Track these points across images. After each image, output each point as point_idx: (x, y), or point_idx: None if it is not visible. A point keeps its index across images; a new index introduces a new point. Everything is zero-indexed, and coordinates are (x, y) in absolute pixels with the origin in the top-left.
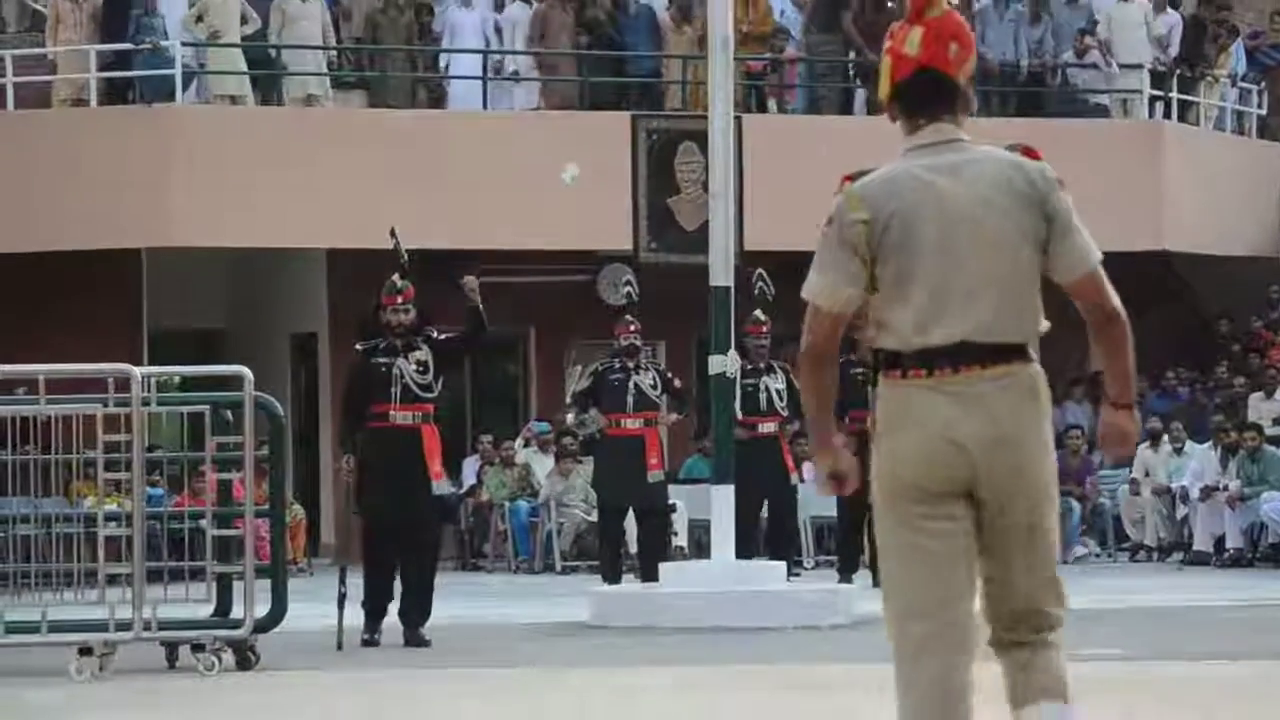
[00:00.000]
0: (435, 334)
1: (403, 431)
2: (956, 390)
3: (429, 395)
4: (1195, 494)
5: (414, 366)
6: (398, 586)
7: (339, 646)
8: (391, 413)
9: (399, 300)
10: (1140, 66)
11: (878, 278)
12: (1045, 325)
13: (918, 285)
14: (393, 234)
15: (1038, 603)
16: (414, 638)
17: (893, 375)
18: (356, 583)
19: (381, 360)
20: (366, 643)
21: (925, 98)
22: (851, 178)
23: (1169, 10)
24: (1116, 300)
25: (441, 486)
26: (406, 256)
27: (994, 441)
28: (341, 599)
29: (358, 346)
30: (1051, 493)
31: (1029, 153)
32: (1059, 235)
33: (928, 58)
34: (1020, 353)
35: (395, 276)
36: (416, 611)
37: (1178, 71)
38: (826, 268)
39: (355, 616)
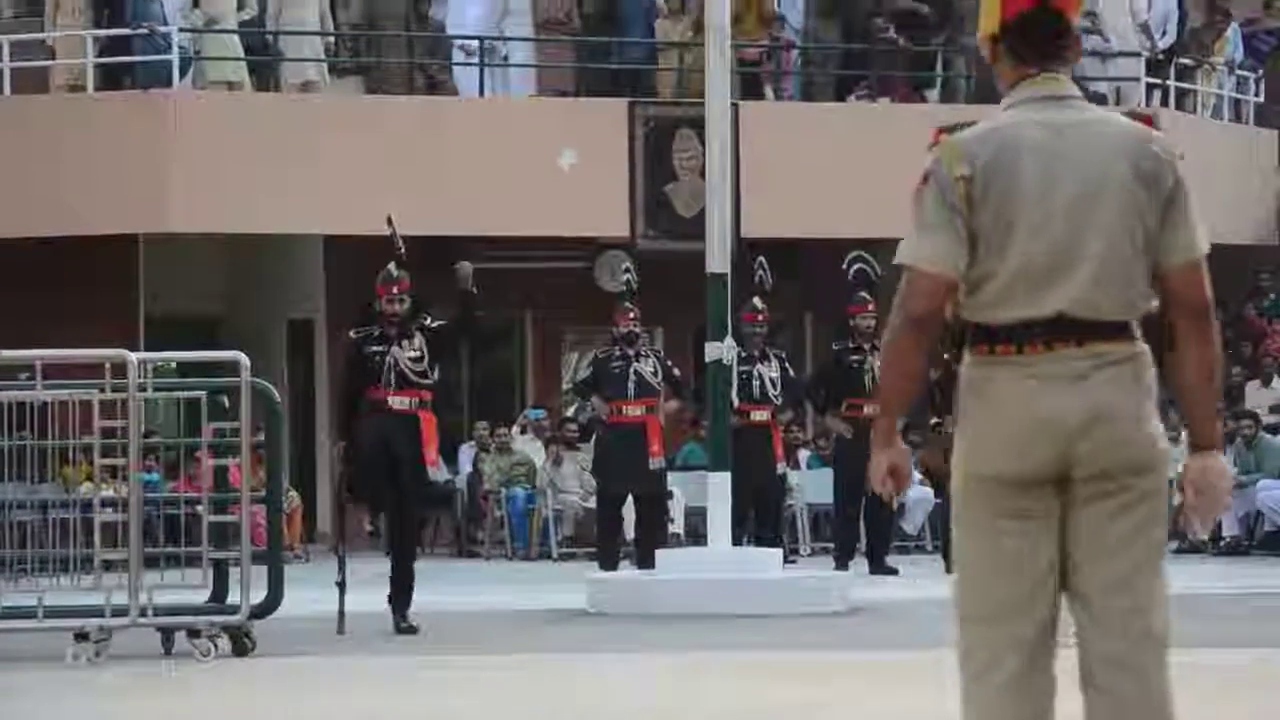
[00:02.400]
0: (429, 322)
1: (402, 416)
2: (1049, 369)
3: (425, 382)
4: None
5: (408, 355)
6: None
7: (339, 631)
8: (389, 398)
9: (394, 290)
10: (1137, 54)
11: (973, 242)
12: (1153, 303)
13: (1013, 252)
14: (390, 223)
15: (1129, 614)
16: (400, 624)
17: (978, 352)
18: (354, 568)
19: (375, 349)
20: (406, 629)
21: (1040, 40)
22: (947, 130)
23: None
24: (1211, 300)
25: (435, 473)
26: (403, 246)
27: (1091, 418)
28: (341, 584)
29: (351, 334)
30: (1158, 484)
31: (1148, 122)
32: (1171, 214)
33: None
34: (1123, 331)
35: (391, 266)
36: (399, 591)
37: (1176, 59)
38: (929, 229)
39: (356, 603)
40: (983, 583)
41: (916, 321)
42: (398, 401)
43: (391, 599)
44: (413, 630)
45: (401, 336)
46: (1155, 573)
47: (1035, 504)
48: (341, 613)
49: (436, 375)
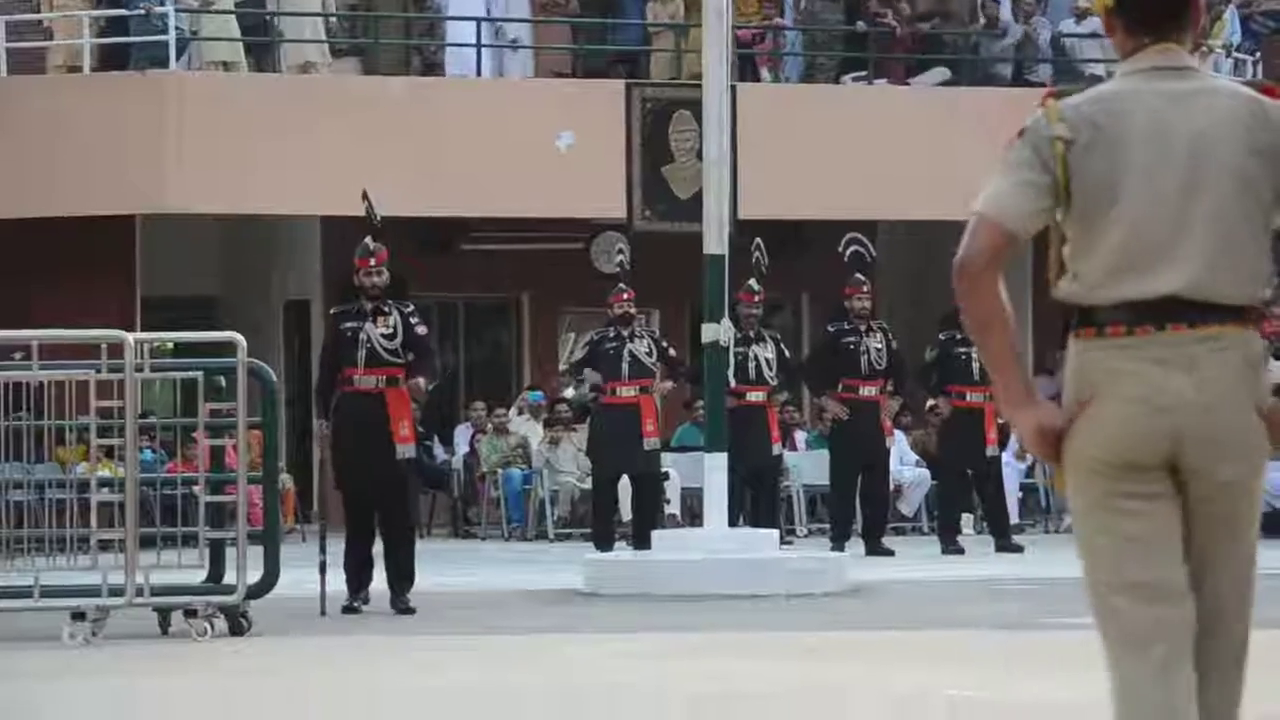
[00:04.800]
0: (414, 320)
1: (368, 395)
2: (1160, 353)
3: (397, 360)
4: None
5: (381, 331)
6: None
7: (322, 612)
8: (356, 377)
9: (371, 263)
10: None
11: (1071, 213)
12: (1269, 291)
13: (1119, 226)
14: (365, 197)
15: (1226, 616)
16: (397, 603)
17: (1085, 334)
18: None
19: (349, 325)
20: (346, 609)
21: (1155, 10)
22: (1055, 95)
23: None
24: None
25: (407, 450)
26: (380, 219)
27: (1202, 409)
28: (322, 565)
29: (331, 311)
30: (1255, 483)
31: (1270, 92)
32: None
33: None
34: (1238, 315)
35: (368, 239)
36: (396, 577)
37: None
38: (1006, 177)
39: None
40: (1110, 567)
41: (962, 264)
42: (364, 380)
43: (389, 579)
44: (410, 611)
45: (377, 313)
46: (1248, 568)
47: (1152, 486)
48: (323, 593)
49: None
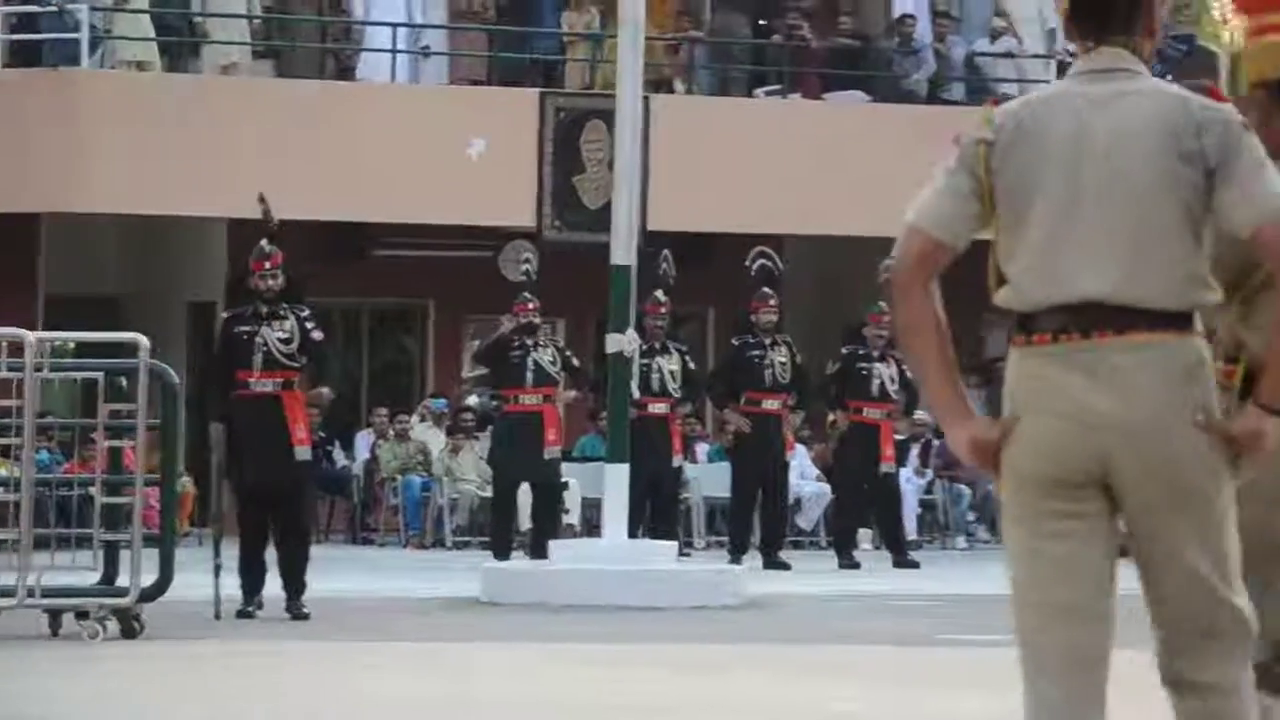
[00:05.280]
0: (310, 325)
1: (263, 399)
2: (1088, 361)
3: (293, 364)
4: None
5: (278, 335)
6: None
7: (216, 616)
8: (252, 381)
9: (267, 265)
10: (1048, 57)
11: (998, 216)
12: (1213, 296)
13: (1037, 228)
14: (261, 199)
15: (1198, 630)
16: (292, 608)
17: (1018, 341)
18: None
19: (245, 329)
20: (241, 614)
21: (1096, 12)
22: (998, 101)
23: None
24: None
25: (304, 453)
26: (277, 222)
27: (1128, 428)
28: (217, 569)
29: (224, 314)
30: (1201, 498)
31: (1214, 93)
32: (1221, 184)
33: None
34: (1170, 321)
35: (264, 242)
36: (290, 581)
37: None
38: (934, 186)
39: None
40: (1029, 584)
41: (894, 276)
42: (260, 384)
43: (285, 588)
44: (304, 617)
45: (273, 316)
46: (1215, 580)
47: (1082, 505)
48: (218, 597)
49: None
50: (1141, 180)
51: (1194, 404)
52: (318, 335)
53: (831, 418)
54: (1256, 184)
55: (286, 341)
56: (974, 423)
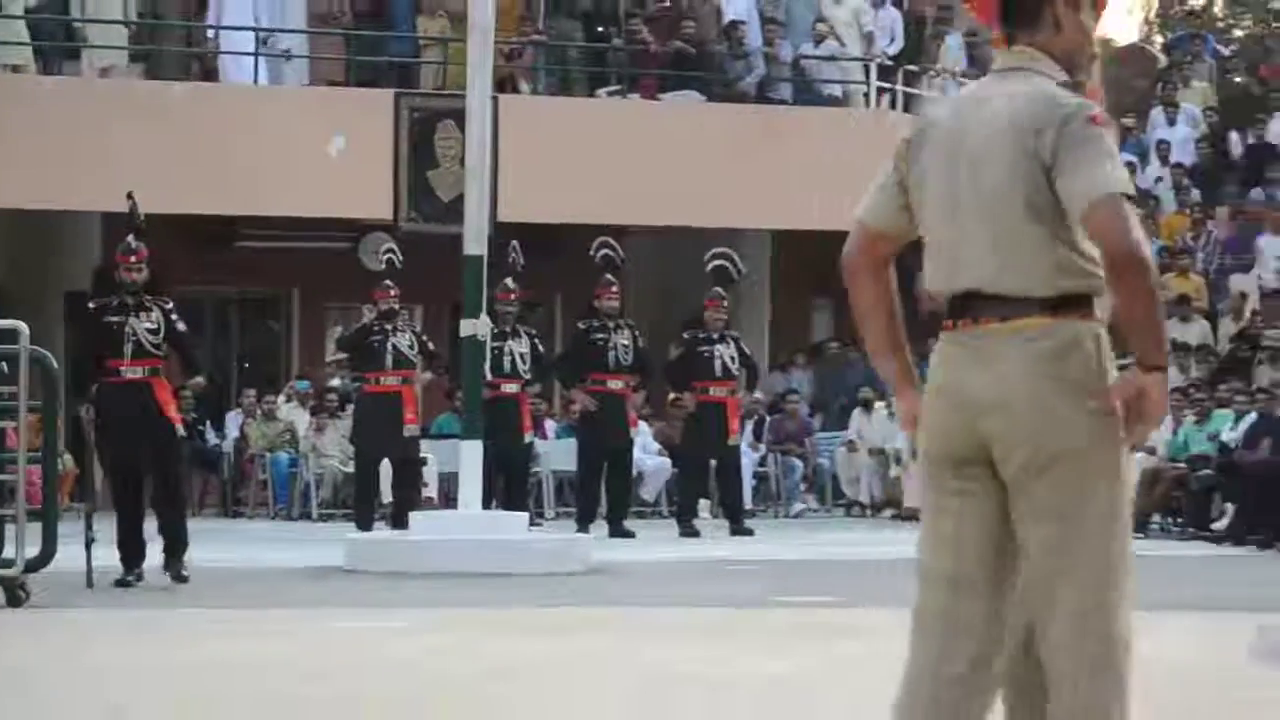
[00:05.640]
0: (174, 316)
1: (135, 385)
2: (976, 345)
3: (159, 352)
4: (907, 455)
5: (145, 326)
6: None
7: (89, 584)
8: (123, 368)
9: (132, 259)
10: (866, 59)
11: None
12: (1091, 281)
13: (926, 222)
14: (130, 197)
15: (1052, 606)
16: (174, 572)
17: (943, 326)
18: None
19: (114, 319)
20: (119, 583)
21: (1004, 11)
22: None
23: (888, 6)
24: (1130, 241)
25: (175, 429)
26: (143, 219)
27: (993, 405)
28: (89, 543)
29: (91, 304)
30: (1066, 466)
31: (1091, 92)
32: (1058, 175)
33: None
34: (1047, 306)
35: (130, 237)
36: (170, 545)
37: (904, 65)
38: (875, 181)
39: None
40: (923, 552)
41: (845, 264)
42: (131, 371)
43: (165, 551)
44: (184, 579)
45: (139, 307)
46: (1084, 573)
47: (968, 483)
48: (89, 568)
49: (204, 361)
50: (996, 178)
51: (1068, 380)
52: (181, 326)
53: (676, 397)
54: (1084, 175)
55: (154, 331)
56: (909, 396)
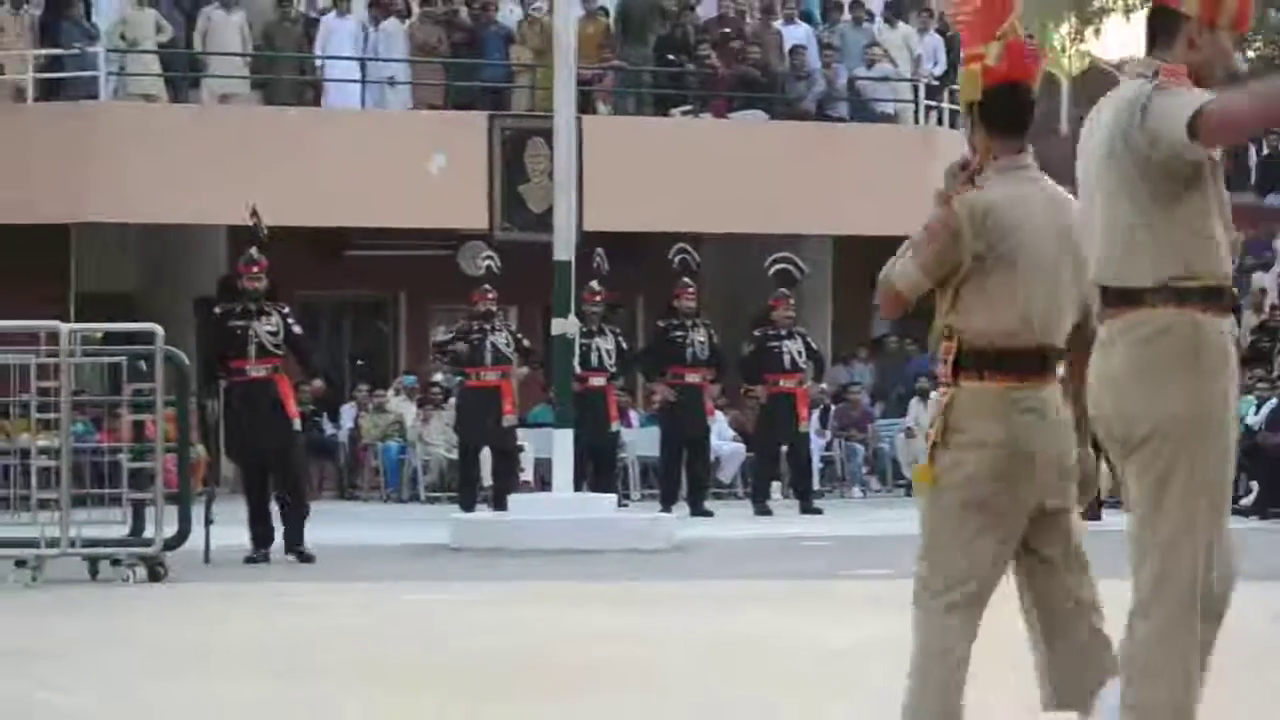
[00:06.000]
0: (290, 321)
1: (259, 382)
2: None
3: (280, 352)
4: None
5: (266, 329)
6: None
7: (206, 560)
8: (248, 367)
9: (254, 270)
10: (915, 80)
11: None
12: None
13: None
14: (254, 213)
15: None
16: (298, 554)
17: None
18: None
19: (238, 323)
20: (249, 560)
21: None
22: None
23: (932, 32)
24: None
25: (295, 423)
26: (266, 231)
27: None
28: (208, 523)
29: (216, 310)
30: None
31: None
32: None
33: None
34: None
35: (253, 250)
36: (295, 531)
37: (949, 85)
38: None
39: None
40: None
41: None
42: (255, 369)
43: (286, 535)
44: (309, 558)
45: (260, 313)
46: None
47: None
48: (207, 545)
49: (320, 361)
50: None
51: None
52: (298, 329)
53: (749, 389)
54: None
55: (274, 334)
56: None
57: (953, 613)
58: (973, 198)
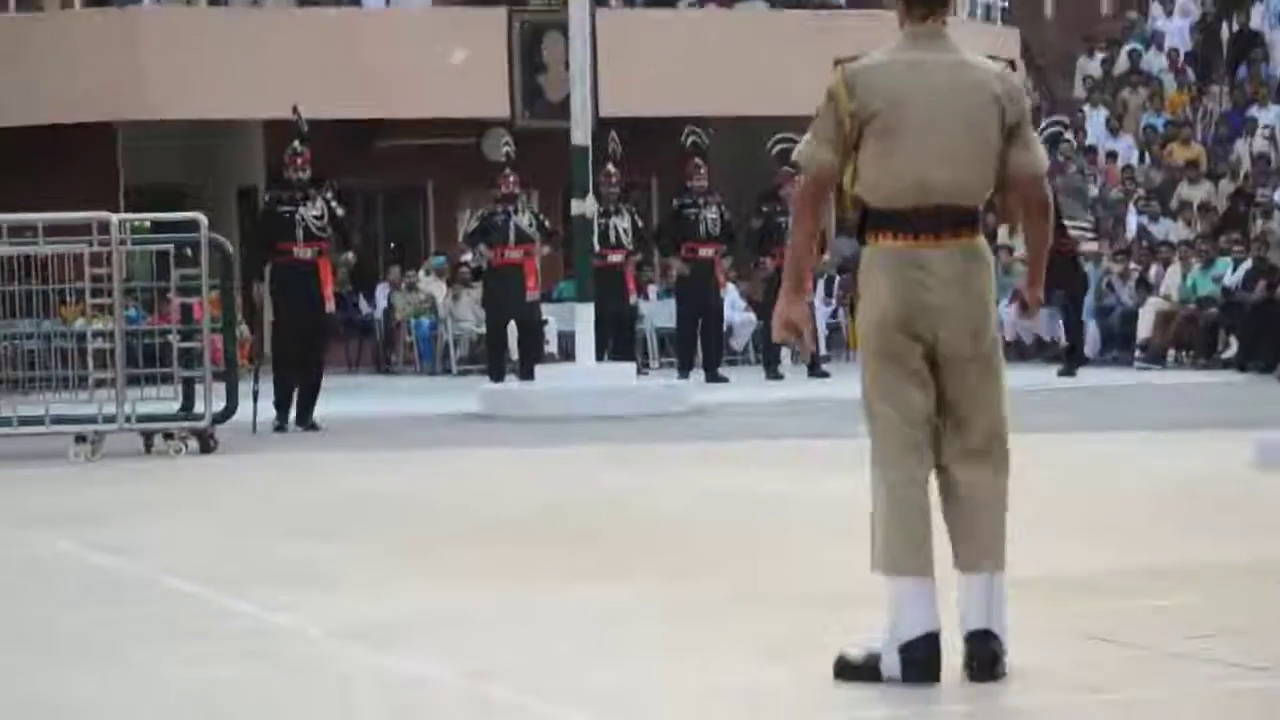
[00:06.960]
0: (334, 204)
1: (305, 264)
2: None
3: (324, 235)
4: None
5: (312, 213)
6: None
7: (254, 430)
8: (295, 249)
9: (299, 161)
10: None
11: None
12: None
13: None
14: (295, 110)
15: None
16: (304, 423)
17: None
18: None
19: (285, 209)
20: (278, 429)
21: None
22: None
23: None
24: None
25: (330, 306)
26: (306, 126)
27: None
28: (255, 395)
29: (265, 196)
30: None
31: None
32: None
33: None
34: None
35: (296, 142)
36: (307, 402)
37: None
38: None
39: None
40: None
41: None
42: (302, 251)
43: (299, 405)
44: (316, 428)
45: (306, 199)
46: None
47: None
48: (255, 415)
49: (357, 239)
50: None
51: None
52: (340, 210)
53: (759, 260)
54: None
55: (319, 218)
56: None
57: (906, 453)
58: (851, 64)
